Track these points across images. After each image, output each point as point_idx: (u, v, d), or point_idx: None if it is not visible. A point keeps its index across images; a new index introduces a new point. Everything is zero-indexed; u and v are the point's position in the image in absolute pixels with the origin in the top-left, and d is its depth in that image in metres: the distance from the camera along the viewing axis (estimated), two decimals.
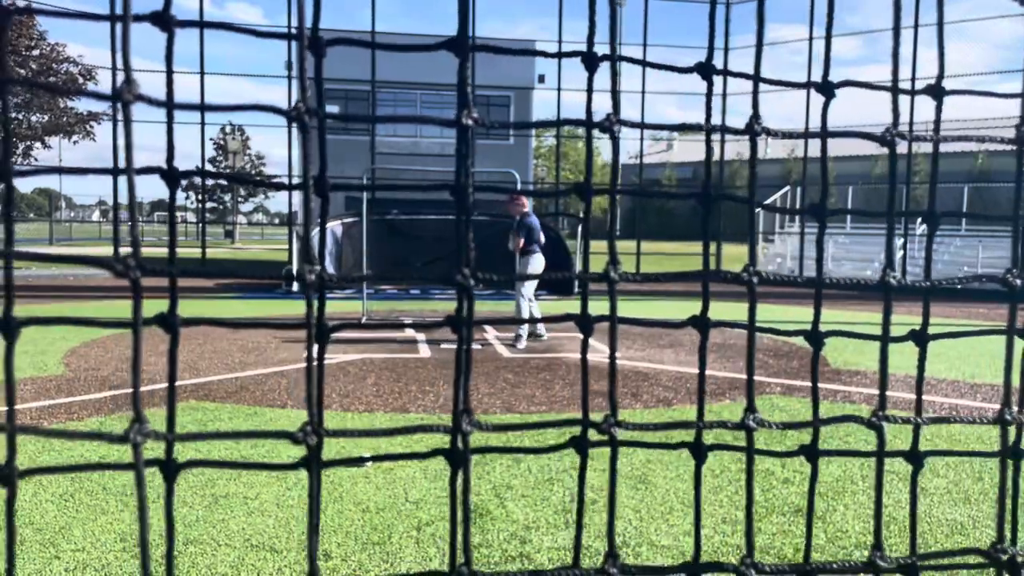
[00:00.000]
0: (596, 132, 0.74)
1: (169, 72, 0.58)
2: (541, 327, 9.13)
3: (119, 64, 0.57)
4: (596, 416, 0.88)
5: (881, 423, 0.83)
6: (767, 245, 23.66)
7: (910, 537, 0.94)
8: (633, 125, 0.72)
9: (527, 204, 9.35)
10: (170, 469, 0.67)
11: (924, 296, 0.85)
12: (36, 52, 26.42)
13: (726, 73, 0.72)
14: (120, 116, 0.55)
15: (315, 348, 0.77)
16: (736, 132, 0.74)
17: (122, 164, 0.55)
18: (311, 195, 0.64)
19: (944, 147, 0.92)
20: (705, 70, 0.70)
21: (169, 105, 0.58)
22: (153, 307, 0.77)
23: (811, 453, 0.87)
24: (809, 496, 0.87)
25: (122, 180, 0.62)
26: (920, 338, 0.87)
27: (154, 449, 0.80)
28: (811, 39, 19.50)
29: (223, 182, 51.14)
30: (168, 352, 0.67)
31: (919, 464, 0.89)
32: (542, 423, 0.88)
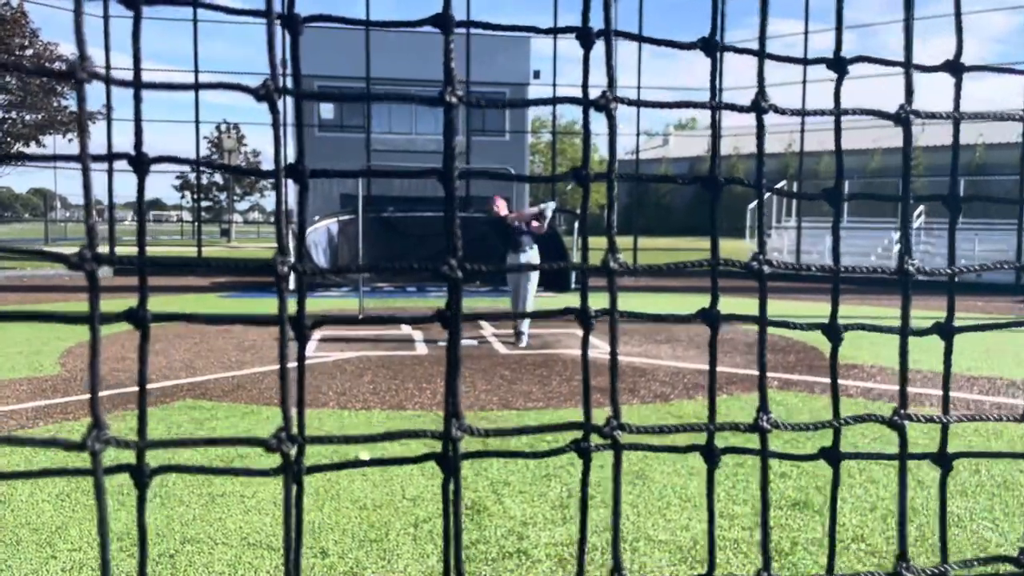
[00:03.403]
0: (593, 127, 0.71)
1: (136, 52, 0.55)
2: (526, 330, 9.03)
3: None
4: (596, 413, 0.84)
5: (903, 422, 0.79)
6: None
7: (940, 546, 0.90)
8: (630, 103, 0.69)
9: (504, 208, 8.97)
10: (141, 476, 0.64)
11: (948, 285, 0.82)
12: (30, 52, 26.33)
13: (730, 49, 0.69)
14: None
15: (295, 346, 0.73)
16: (741, 109, 0.70)
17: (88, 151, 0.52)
18: (283, 181, 0.61)
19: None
20: (709, 46, 0.67)
21: (137, 84, 0.55)
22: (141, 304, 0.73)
23: (832, 457, 0.83)
24: (831, 505, 0.84)
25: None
26: (945, 331, 0.83)
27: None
28: (807, 33, 19.46)
29: (218, 180, 50.95)
30: (138, 349, 0.64)
31: (948, 467, 0.85)
32: (542, 427, 0.84)
